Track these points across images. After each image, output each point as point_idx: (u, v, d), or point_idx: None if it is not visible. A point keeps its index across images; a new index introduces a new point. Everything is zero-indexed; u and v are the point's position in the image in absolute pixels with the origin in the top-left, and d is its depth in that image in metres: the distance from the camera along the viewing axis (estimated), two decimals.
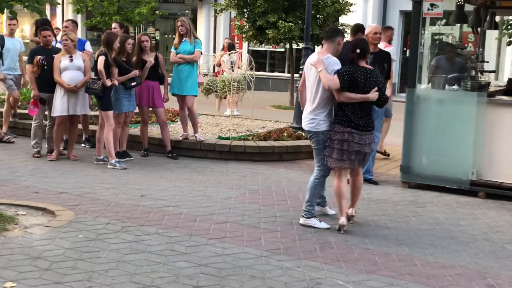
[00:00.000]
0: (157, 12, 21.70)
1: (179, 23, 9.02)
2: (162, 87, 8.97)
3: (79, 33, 21.08)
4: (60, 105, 8.22)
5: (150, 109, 8.96)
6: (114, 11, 19.78)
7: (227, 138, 9.32)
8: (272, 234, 5.52)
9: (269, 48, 21.75)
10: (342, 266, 4.77)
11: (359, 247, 5.24)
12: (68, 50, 8.22)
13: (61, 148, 8.67)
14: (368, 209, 6.40)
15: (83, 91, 8.27)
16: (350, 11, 16.12)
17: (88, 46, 9.31)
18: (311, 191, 5.86)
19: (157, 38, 25.17)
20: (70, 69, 8.19)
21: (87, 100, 8.58)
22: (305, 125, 5.86)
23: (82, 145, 9.40)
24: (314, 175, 5.91)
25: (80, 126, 8.99)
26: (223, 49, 10.05)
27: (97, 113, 8.77)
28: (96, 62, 8.13)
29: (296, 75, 13.18)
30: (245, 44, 21.82)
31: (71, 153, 8.54)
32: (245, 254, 4.96)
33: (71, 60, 8.19)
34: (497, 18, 11.76)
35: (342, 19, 16.70)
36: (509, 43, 15.33)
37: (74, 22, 9.43)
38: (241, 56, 12.24)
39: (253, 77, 10.60)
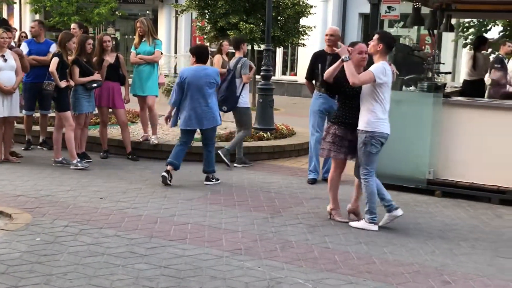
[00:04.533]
0: (117, 12, 21.52)
1: (138, 24, 8.98)
2: (122, 88, 8.89)
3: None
4: None
5: (110, 110, 8.87)
6: (73, 11, 19.54)
7: None
8: (233, 234, 5.53)
9: (231, 49, 21.72)
10: (302, 265, 4.82)
11: (319, 246, 5.30)
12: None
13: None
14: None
15: (17, 92, 8.09)
16: (310, 13, 16.27)
17: (54, 47, 9.11)
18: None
19: (118, 38, 24.92)
20: (4, 70, 7.93)
21: (18, 101, 8.30)
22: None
23: (39, 147, 9.24)
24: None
25: (37, 127, 8.83)
26: (220, 52, 9.99)
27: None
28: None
29: (257, 77, 13.21)
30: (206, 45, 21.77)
31: (7, 155, 8.23)
32: (206, 255, 4.96)
33: (5, 60, 7.95)
34: (453, 21, 12.05)
35: (303, 21, 16.84)
36: (464, 45, 15.68)
37: (41, 23, 9.29)
38: None
39: None
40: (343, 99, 5.98)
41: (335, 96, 6.32)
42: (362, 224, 5.87)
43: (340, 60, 5.73)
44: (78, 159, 8.05)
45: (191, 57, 7.55)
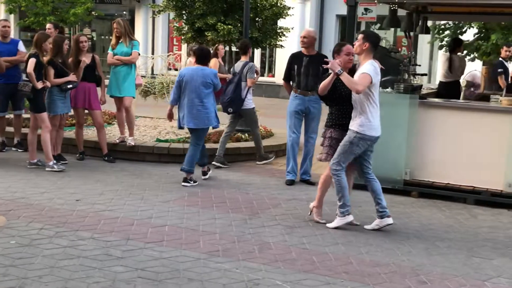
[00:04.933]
0: (93, 13, 21.32)
1: (115, 25, 8.91)
2: (99, 89, 8.81)
3: (12, 34, 20.47)
4: None
5: (86, 111, 8.79)
6: (48, 11, 19.31)
7: (166, 141, 9.25)
8: (211, 236, 5.51)
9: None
10: (280, 266, 4.82)
11: (297, 247, 5.30)
12: None
13: None
14: (305, 210, 6.47)
15: None
16: (288, 14, 16.30)
17: (21, 46, 9.04)
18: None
19: (94, 39, 24.71)
20: None
21: None
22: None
23: (14, 148, 9.12)
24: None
25: (11, 128, 8.70)
26: (216, 56, 10.24)
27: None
28: (27, 64, 7.89)
29: None
30: (184, 46, 21.70)
31: None
32: (183, 257, 4.94)
33: None
34: (429, 23, 12.17)
35: (280, 22, 16.88)
36: (440, 47, 15.83)
37: (6, 20, 9.18)
38: (180, 58, 12.17)
39: None
40: (336, 103, 5.98)
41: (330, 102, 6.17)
42: (337, 221, 5.93)
43: (333, 74, 5.72)
44: (54, 161, 7.96)
45: (191, 57, 7.58)
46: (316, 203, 6.17)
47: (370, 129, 5.75)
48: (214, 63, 9.80)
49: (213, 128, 7.80)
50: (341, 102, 5.92)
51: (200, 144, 7.60)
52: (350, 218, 5.91)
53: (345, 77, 5.63)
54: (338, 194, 5.89)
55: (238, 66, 8.81)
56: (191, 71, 7.43)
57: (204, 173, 7.82)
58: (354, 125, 5.78)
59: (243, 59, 8.91)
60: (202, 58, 7.50)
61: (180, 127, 7.74)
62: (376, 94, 5.80)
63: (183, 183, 7.41)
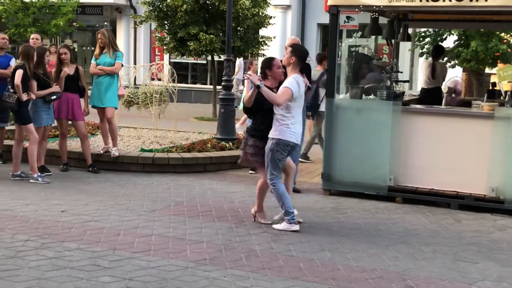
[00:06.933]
0: (74, 24, 21.22)
1: (99, 35, 8.90)
2: (82, 100, 8.78)
3: None
4: None
5: (70, 122, 8.75)
6: (30, 23, 19.18)
7: (150, 151, 9.23)
8: (198, 245, 5.51)
9: (191, 60, 21.73)
10: (268, 274, 4.83)
11: (283, 254, 5.32)
12: None
13: None
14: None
15: None
16: (269, 23, 16.37)
17: (13, 62, 8.88)
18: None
19: (75, 50, 24.59)
20: None
21: None
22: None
23: None
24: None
25: None
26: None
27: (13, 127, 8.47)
28: (13, 75, 7.83)
29: (218, 87, 13.22)
30: (166, 56, 21.70)
31: None
32: (171, 266, 4.93)
33: None
34: (410, 30, 12.30)
35: (262, 32, 16.95)
36: (421, 54, 16.00)
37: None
38: (163, 68, 12.16)
39: (175, 89, 10.56)
40: (261, 115, 6.20)
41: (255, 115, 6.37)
42: (284, 226, 6.09)
43: (254, 87, 6.00)
44: (39, 173, 7.90)
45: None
46: (257, 208, 6.36)
47: (286, 134, 5.99)
48: None
49: None
50: (265, 113, 6.13)
51: None
52: (296, 227, 6.06)
53: (264, 91, 5.91)
54: (279, 202, 6.12)
55: (315, 75, 9.25)
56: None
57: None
58: (271, 133, 6.04)
59: (319, 68, 9.69)
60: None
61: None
62: (296, 107, 6.03)
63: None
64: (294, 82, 5.97)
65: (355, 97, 8.00)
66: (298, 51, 6.14)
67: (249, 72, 6.52)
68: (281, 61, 6.26)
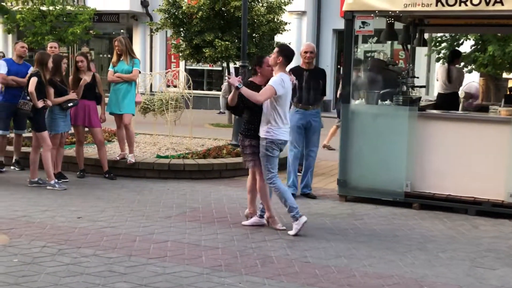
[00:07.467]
0: (91, 31, 21.42)
1: (116, 43, 8.96)
2: (99, 107, 8.84)
3: (9, 54, 20.54)
4: None
5: (86, 129, 8.81)
6: (47, 31, 19.39)
7: (166, 157, 9.26)
8: (213, 251, 5.51)
9: (206, 66, 21.82)
10: (283, 280, 4.81)
11: (299, 261, 5.30)
12: None
13: None
14: (307, 223, 6.47)
15: None
16: (285, 30, 16.38)
17: (31, 70, 9.02)
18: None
19: (92, 57, 24.80)
20: None
21: None
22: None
23: (12, 167, 9.12)
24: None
25: (11, 147, 8.70)
26: None
27: (30, 134, 8.55)
28: (28, 82, 7.92)
29: None
30: (182, 63, 21.79)
31: None
32: (186, 272, 4.93)
33: None
34: (426, 35, 12.24)
35: (278, 38, 16.95)
36: (437, 59, 15.90)
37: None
38: (178, 74, 12.23)
39: (191, 96, 10.60)
40: (250, 114, 6.26)
41: (242, 114, 6.48)
42: (295, 228, 6.08)
43: (235, 89, 6.07)
44: (56, 180, 7.96)
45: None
46: (268, 213, 6.36)
47: (277, 133, 6.07)
48: None
49: None
50: (252, 110, 6.18)
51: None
52: (303, 219, 6.09)
53: (244, 91, 5.97)
54: (281, 200, 6.16)
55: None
56: None
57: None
58: (262, 132, 6.12)
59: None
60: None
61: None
62: (284, 105, 6.10)
63: None
64: (278, 80, 6.03)
65: (371, 103, 7.96)
66: (285, 51, 6.21)
67: (228, 75, 6.69)
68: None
